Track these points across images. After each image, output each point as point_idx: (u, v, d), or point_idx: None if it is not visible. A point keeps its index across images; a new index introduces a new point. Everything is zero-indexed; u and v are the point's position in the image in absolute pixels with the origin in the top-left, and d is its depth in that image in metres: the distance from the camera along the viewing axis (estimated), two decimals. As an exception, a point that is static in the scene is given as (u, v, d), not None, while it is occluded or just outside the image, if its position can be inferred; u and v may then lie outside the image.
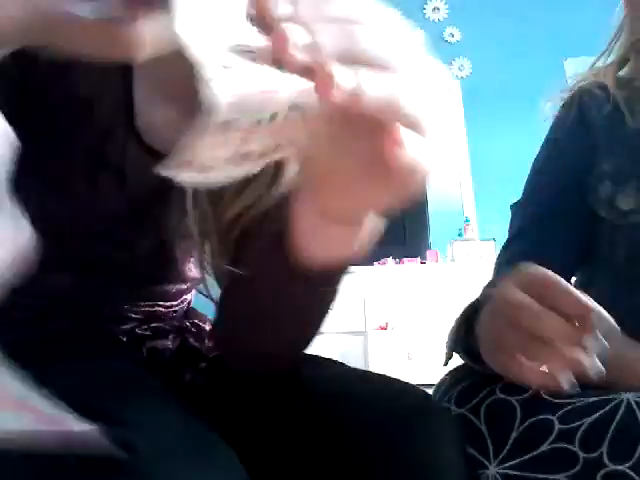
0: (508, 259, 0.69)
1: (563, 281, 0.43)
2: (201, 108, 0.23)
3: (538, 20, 3.34)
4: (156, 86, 0.47)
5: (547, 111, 0.76)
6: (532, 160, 0.76)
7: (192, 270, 0.57)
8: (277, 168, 0.44)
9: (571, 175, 0.70)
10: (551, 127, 0.75)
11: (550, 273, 0.43)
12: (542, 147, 0.76)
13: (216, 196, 0.46)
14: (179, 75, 0.32)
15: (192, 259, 0.56)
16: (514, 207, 0.78)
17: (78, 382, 0.39)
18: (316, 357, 0.54)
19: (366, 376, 0.51)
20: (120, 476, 0.30)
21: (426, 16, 3.46)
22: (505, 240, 0.73)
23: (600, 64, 0.76)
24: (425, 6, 3.47)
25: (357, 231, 0.34)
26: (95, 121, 0.46)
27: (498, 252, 0.74)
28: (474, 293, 0.56)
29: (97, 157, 0.47)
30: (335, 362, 0.54)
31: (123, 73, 0.46)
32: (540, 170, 0.74)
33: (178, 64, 0.24)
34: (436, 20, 3.46)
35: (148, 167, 0.27)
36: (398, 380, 0.49)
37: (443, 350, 0.57)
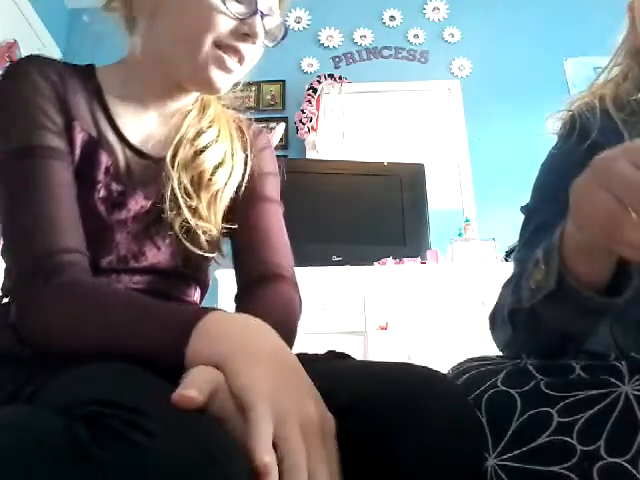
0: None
1: None
2: None
3: (538, 20, 3.34)
4: None
5: (549, 127, 0.77)
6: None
7: None
8: None
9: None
10: (556, 145, 0.76)
11: None
12: (550, 159, 0.76)
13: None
14: None
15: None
16: (524, 210, 0.78)
17: (109, 383, 0.47)
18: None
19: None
20: (139, 454, 0.37)
21: (426, 16, 3.46)
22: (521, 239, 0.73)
23: (601, 80, 0.76)
24: (425, 6, 3.47)
25: None
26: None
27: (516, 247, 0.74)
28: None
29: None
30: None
31: None
32: (545, 182, 0.75)
33: None
34: (436, 20, 3.46)
35: None
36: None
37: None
